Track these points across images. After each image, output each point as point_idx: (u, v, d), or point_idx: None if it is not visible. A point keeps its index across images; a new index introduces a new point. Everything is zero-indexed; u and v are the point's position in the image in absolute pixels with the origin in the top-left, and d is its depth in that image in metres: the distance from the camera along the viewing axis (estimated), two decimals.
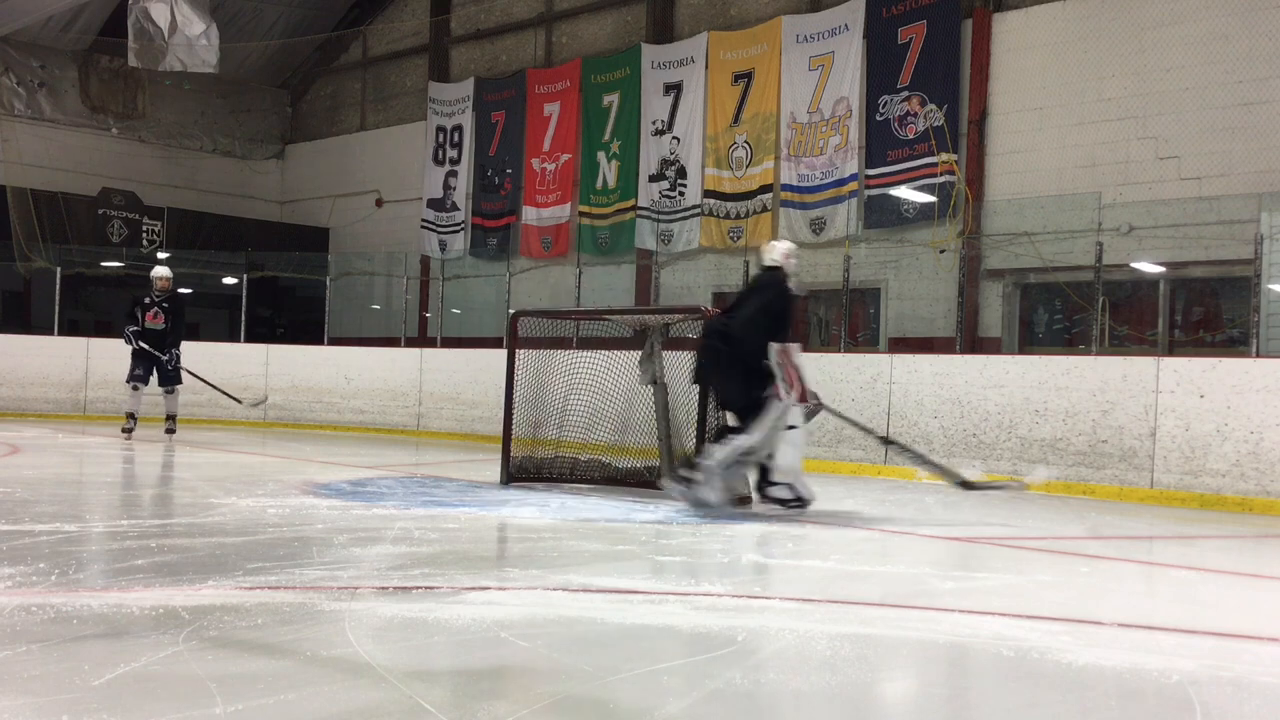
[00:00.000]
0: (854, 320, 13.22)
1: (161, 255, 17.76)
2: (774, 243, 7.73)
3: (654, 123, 15.34)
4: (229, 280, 17.63)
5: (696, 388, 7.96)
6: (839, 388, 10.85)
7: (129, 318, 12.26)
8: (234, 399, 13.74)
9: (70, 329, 16.63)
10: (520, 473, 8.67)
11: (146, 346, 12.10)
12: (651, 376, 8.19)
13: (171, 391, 12.41)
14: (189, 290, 18.85)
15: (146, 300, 12.24)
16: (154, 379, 12.35)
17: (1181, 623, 4.40)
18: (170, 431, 12.31)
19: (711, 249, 14.69)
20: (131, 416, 12.20)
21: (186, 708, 2.78)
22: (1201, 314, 11.46)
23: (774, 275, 7.45)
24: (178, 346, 12.36)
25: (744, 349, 7.06)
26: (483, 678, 3.26)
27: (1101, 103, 11.58)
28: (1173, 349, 11.14)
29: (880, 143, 13.01)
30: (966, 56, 12.49)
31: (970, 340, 11.91)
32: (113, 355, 15.47)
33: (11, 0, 15.39)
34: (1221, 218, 10.57)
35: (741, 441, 7.06)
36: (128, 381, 12.22)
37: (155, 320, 12.20)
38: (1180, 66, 11.07)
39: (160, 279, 12.33)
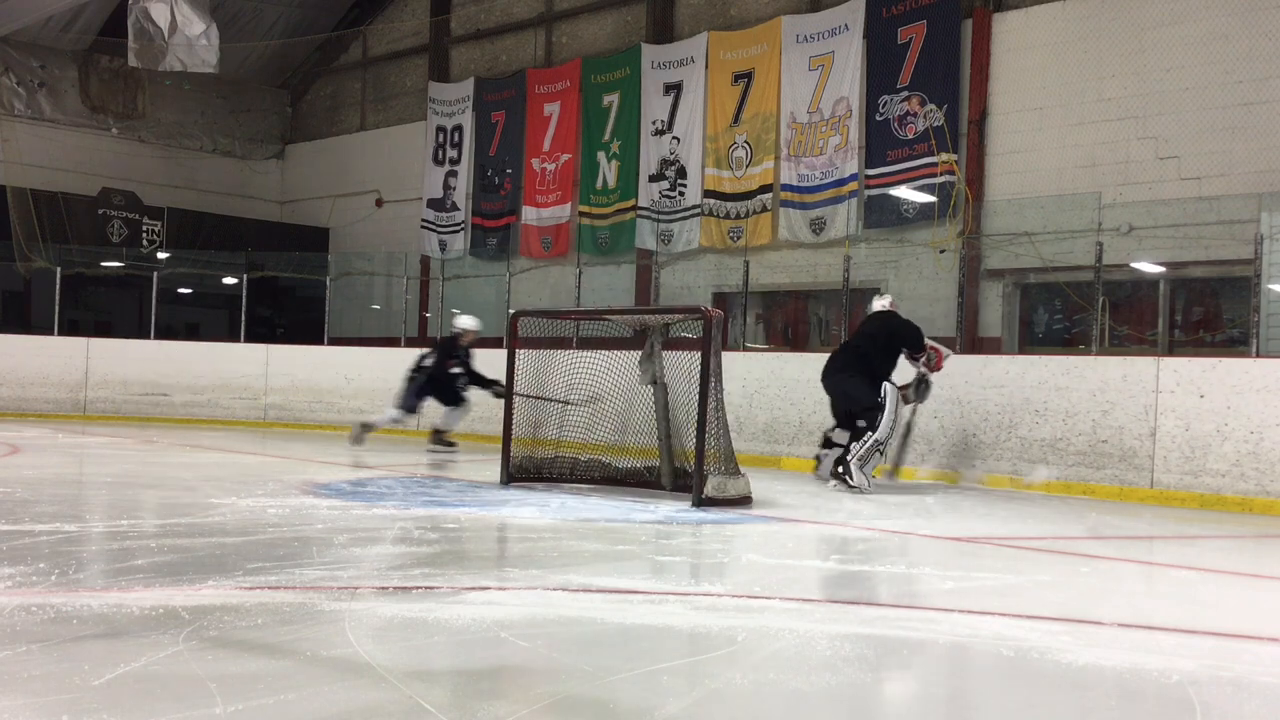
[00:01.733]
0: (854, 320, 13.17)
1: (161, 255, 17.79)
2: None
3: (654, 123, 15.34)
4: (229, 280, 17.63)
5: (697, 387, 7.96)
6: None
7: (439, 363, 11.68)
8: (561, 402, 12.49)
9: (70, 329, 16.64)
10: (520, 473, 8.67)
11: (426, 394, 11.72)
12: (651, 376, 8.19)
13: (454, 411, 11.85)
14: (189, 290, 18.89)
15: (457, 353, 11.72)
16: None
17: (1181, 623, 4.40)
18: (449, 445, 11.78)
19: (711, 249, 14.69)
20: (368, 427, 11.76)
21: (186, 708, 2.78)
22: (1201, 314, 11.46)
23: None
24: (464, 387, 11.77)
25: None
26: (483, 678, 3.26)
27: (1101, 103, 11.58)
28: (1173, 349, 11.14)
29: (880, 143, 13.01)
30: (966, 56, 12.49)
31: (970, 340, 11.91)
32: (112, 355, 15.51)
33: (11, 0, 15.39)
34: (1221, 218, 10.57)
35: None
36: (405, 408, 11.78)
37: (453, 367, 11.67)
38: (1180, 66, 11.07)
39: (469, 332, 11.77)
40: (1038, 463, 9.49)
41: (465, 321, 11.88)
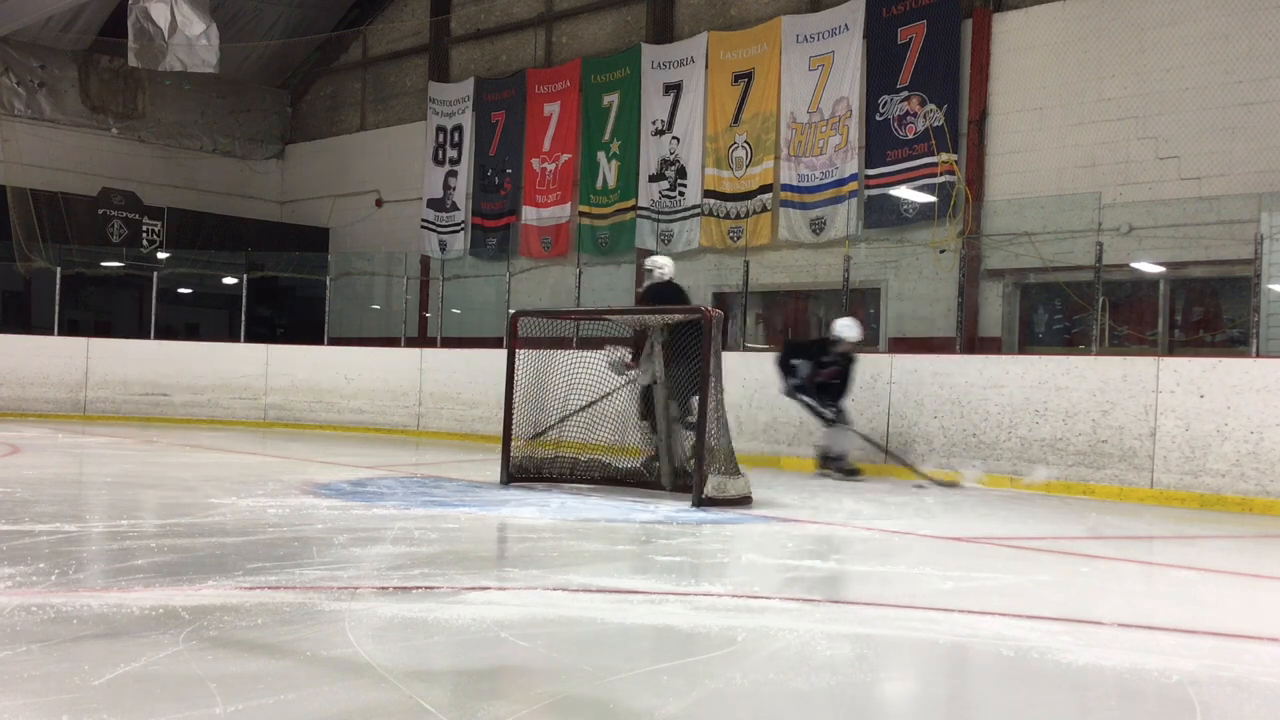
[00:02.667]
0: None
1: (161, 255, 17.79)
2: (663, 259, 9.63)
3: (654, 123, 15.34)
4: (229, 280, 17.64)
5: (697, 388, 7.96)
6: None
7: (788, 366, 10.23)
8: (922, 476, 9.78)
9: (70, 329, 16.64)
10: (520, 473, 8.67)
11: (809, 400, 10.11)
12: (651, 376, 8.19)
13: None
14: (189, 290, 18.89)
15: (825, 359, 10.14)
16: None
17: (1181, 623, 4.41)
18: (849, 472, 10.03)
19: (711, 249, 14.68)
20: (838, 459, 10.13)
21: (186, 708, 2.78)
22: (1201, 314, 11.46)
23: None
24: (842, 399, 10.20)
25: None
26: (483, 678, 3.27)
27: (1101, 103, 11.58)
28: (1173, 349, 11.14)
29: (880, 143, 13.01)
30: (966, 56, 12.48)
31: (970, 340, 11.91)
32: (112, 355, 15.52)
33: (11, 0, 15.39)
34: (1221, 218, 10.57)
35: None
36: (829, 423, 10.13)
37: (829, 376, 10.16)
38: (1180, 66, 11.07)
39: (848, 341, 10.08)
40: (1038, 463, 9.48)
41: (846, 329, 10.15)
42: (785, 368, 10.31)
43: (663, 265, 9.53)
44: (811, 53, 13.68)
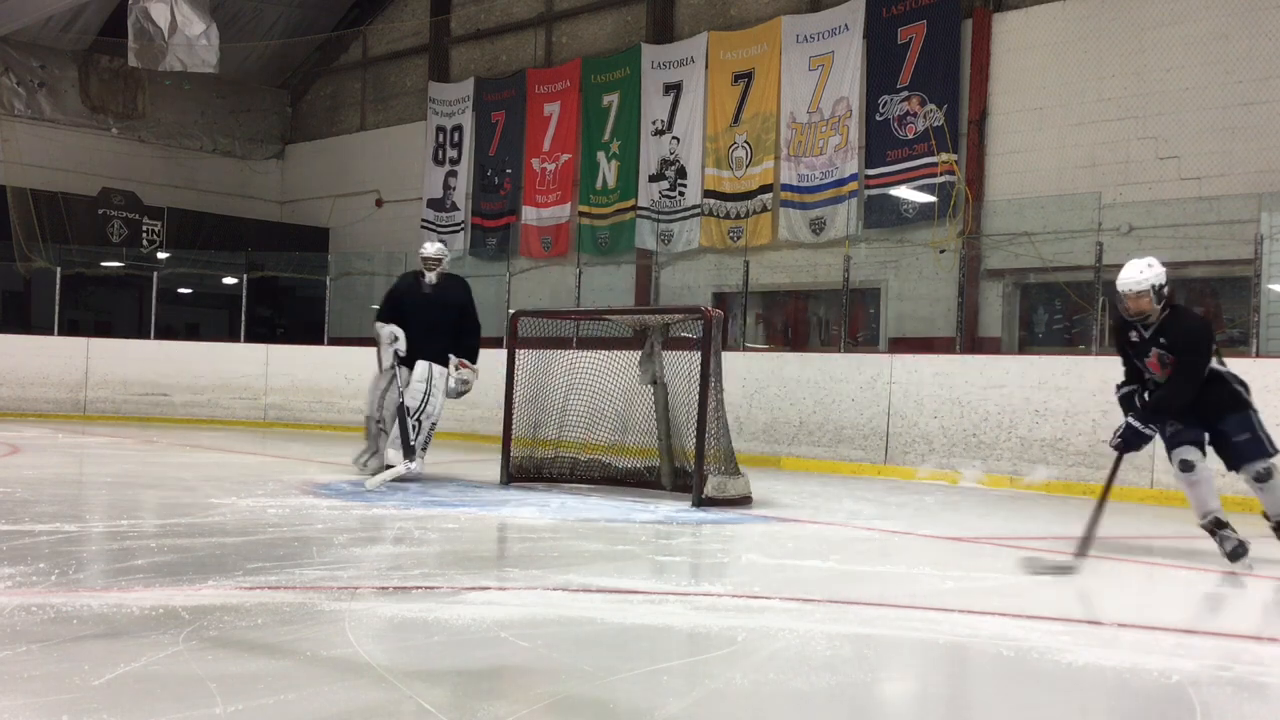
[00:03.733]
0: (854, 320, 13.22)
1: (161, 255, 17.79)
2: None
3: (654, 123, 15.34)
4: (229, 280, 17.63)
5: (697, 387, 7.96)
6: (839, 388, 10.86)
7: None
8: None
9: (70, 329, 16.63)
10: (520, 473, 8.67)
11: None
12: (651, 376, 8.20)
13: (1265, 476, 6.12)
14: (189, 290, 18.89)
15: (1134, 336, 6.37)
16: None
17: (1181, 623, 4.41)
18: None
19: (711, 249, 14.68)
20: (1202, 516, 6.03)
21: (186, 708, 2.78)
22: (1201, 314, 11.45)
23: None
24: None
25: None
26: (483, 678, 3.27)
27: (1101, 103, 11.58)
28: None
29: (880, 143, 13.01)
30: (966, 56, 12.48)
31: (970, 340, 11.91)
32: (112, 355, 15.51)
33: (11, 0, 15.39)
34: (1221, 218, 10.57)
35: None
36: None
37: (1160, 370, 6.24)
38: (1180, 66, 11.07)
39: (1132, 294, 6.42)
40: (1038, 463, 9.48)
41: (1127, 279, 6.37)
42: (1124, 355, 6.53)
43: (447, 254, 9.45)
44: (811, 53, 13.68)
